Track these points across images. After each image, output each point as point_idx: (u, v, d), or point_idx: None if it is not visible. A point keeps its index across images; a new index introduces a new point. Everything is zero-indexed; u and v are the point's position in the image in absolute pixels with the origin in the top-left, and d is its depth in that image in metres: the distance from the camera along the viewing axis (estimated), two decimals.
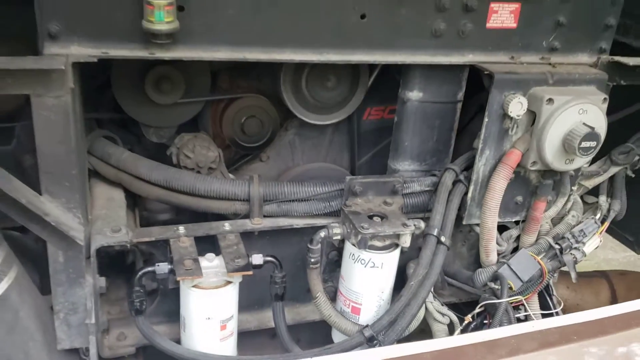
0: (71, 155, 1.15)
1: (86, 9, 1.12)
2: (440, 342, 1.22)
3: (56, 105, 1.10)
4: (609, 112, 1.48)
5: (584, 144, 1.30)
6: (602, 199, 1.55)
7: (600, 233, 1.49)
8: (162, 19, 1.10)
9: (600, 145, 1.35)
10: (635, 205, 1.83)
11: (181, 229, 1.33)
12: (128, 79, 1.42)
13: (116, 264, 1.46)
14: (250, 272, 1.24)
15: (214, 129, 1.57)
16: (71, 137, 1.13)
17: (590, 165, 1.57)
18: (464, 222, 1.44)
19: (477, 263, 1.55)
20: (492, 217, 1.38)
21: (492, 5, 1.34)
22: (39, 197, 1.15)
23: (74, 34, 1.12)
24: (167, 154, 1.51)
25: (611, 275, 1.94)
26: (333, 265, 1.48)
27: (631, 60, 1.44)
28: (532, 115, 1.34)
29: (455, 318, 1.42)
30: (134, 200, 1.50)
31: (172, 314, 1.42)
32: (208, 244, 1.35)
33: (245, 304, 1.41)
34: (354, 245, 1.30)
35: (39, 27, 1.11)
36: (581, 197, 1.57)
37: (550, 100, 1.31)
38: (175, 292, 1.40)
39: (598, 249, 1.58)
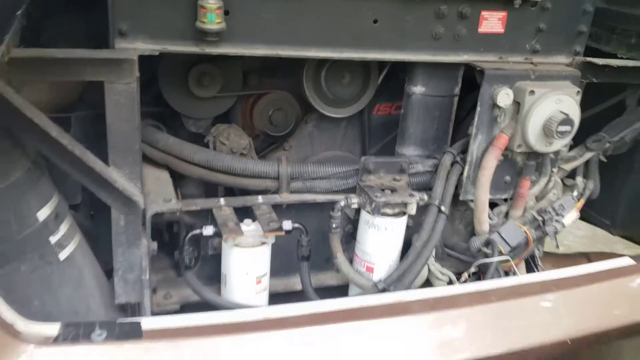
0: (135, 133, 1.35)
1: (149, 12, 1.33)
2: (437, 291, 1.44)
3: (125, 91, 1.31)
4: (587, 108, 1.71)
5: (561, 128, 1.52)
6: (579, 180, 1.77)
7: (578, 208, 1.71)
8: (212, 20, 1.32)
9: (575, 130, 1.57)
10: (610, 191, 2.06)
11: (222, 200, 1.53)
12: (173, 76, 1.64)
13: (158, 241, 1.67)
14: (282, 233, 1.44)
15: (244, 120, 1.78)
16: (135, 118, 1.35)
17: (569, 152, 1.80)
18: (461, 198, 1.65)
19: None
20: (484, 192, 1.59)
21: (483, 13, 1.56)
22: (107, 168, 1.35)
23: (139, 32, 1.34)
24: (205, 142, 1.72)
25: (592, 256, 2.15)
26: (349, 237, 1.69)
27: (600, 61, 1.67)
28: (517, 105, 1.55)
29: (453, 277, 1.62)
30: (174, 184, 1.71)
31: (210, 278, 1.62)
32: (244, 216, 1.56)
33: (275, 271, 1.61)
34: (368, 212, 1.50)
35: (111, 27, 1.33)
36: (562, 180, 1.79)
37: (532, 92, 1.52)
38: (213, 260, 1.61)
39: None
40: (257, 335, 1.20)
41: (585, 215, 2.17)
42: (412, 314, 1.32)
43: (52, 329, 1.11)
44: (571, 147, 1.80)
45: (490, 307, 1.38)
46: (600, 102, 1.90)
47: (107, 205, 1.43)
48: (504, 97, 1.53)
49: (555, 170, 1.70)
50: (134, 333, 1.15)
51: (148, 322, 1.18)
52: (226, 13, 1.35)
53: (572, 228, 1.87)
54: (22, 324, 1.07)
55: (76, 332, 1.12)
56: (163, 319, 1.22)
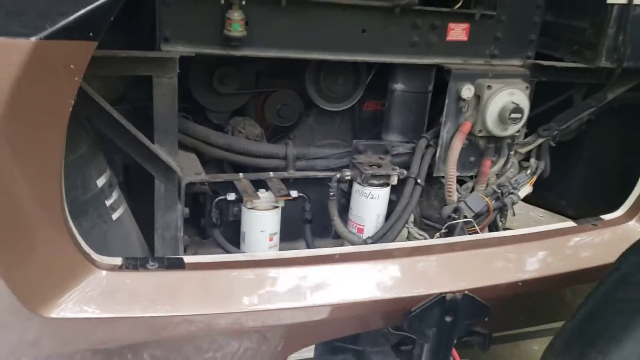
0: (174, 118, 1.68)
1: (187, 23, 1.67)
2: (414, 243, 1.77)
3: (168, 84, 1.64)
4: (542, 103, 2.06)
5: (512, 115, 1.86)
6: (532, 161, 2.10)
7: (531, 183, 2.05)
8: (237, 28, 1.65)
9: (524, 117, 1.91)
10: (565, 176, 2.40)
11: (241, 175, 1.87)
12: (200, 77, 1.97)
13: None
14: (290, 197, 1.78)
15: (256, 114, 2.11)
16: (175, 105, 1.67)
17: (524, 138, 2.14)
18: (434, 175, 1.98)
19: None
20: (452, 168, 1.92)
21: (450, 25, 1.90)
22: (153, 145, 1.68)
23: (179, 38, 1.66)
24: (224, 131, 2.05)
25: None
26: (344, 209, 2.02)
27: (545, 63, 2.02)
28: (478, 98, 1.89)
29: (428, 237, 1.96)
30: None
31: (230, 240, 1.94)
32: (258, 188, 1.88)
33: (283, 236, 1.94)
34: (359, 183, 1.84)
35: (158, 34, 1.66)
36: (519, 162, 2.13)
37: (489, 87, 1.87)
38: (232, 225, 1.93)
39: None
40: (271, 269, 1.53)
41: (544, 199, 2.50)
42: (394, 258, 1.65)
43: (117, 260, 1.43)
44: (527, 135, 2.15)
45: (456, 254, 1.71)
46: (554, 98, 2.25)
47: (141, 186, 1.77)
48: (467, 91, 1.87)
49: (512, 152, 2.04)
50: (179, 265, 1.47)
51: (188, 258, 1.50)
52: (247, 23, 1.69)
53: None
54: (96, 256, 1.40)
55: (135, 263, 1.44)
56: (199, 257, 1.55)
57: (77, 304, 1.31)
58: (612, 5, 1.89)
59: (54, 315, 1.28)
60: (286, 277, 1.52)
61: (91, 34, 1.14)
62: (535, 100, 2.17)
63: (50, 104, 1.17)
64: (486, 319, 1.49)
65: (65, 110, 1.19)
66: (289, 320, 1.49)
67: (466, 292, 1.44)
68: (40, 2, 1.09)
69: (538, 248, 1.78)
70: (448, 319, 1.44)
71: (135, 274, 1.42)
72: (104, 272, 1.37)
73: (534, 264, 1.75)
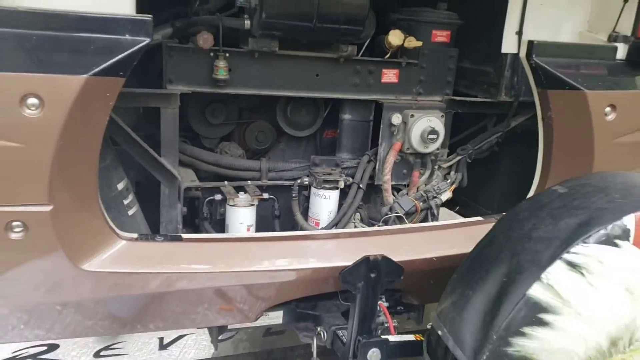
0: (175, 138, 2.19)
1: (185, 69, 2.22)
2: (355, 230, 2.28)
3: (172, 113, 2.16)
4: (465, 130, 2.61)
5: (430, 136, 2.39)
6: (452, 173, 2.63)
7: (450, 190, 2.57)
8: (222, 73, 2.18)
9: (440, 138, 2.43)
10: (488, 187, 2.92)
11: (226, 182, 2.38)
12: (196, 111, 2.50)
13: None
14: (263, 197, 2.30)
15: (239, 139, 2.62)
16: (176, 129, 2.20)
17: (447, 156, 2.67)
18: (375, 183, 2.50)
19: None
20: (387, 177, 2.43)
21: (384, 70, 2.44)
22: (160, 158, 2.20)
23: (180, 80, 2.19)
24: (214, 152, 2.57)
25: None
26: (305, 211, 2.53)
27: (457, 98, 2.57)
28: (405, 124, 2.44)
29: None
30: None
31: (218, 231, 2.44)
32: (238, 192, 2.40)
33: (257, 229, 2.43)
34: (315, 187, 2.36)
35: (164, 77, 2.20)
36: (444, 175, 2.66)
37: (412, 115, 2.40)
38: (219, 224, 2.43)
39: None
40: (245, 243, 2.04)
41: (473, 209, 3.01)
42: (337, 238, 2.16)
43: (134, 235, 1.94)
44: (449, 154, 2.68)
45: (385, 237, 2.21)
46: (472, 126, 2.80)
47: (148, 197, 2.28)
48: (396, 119, 2.40)
49: (436, 167, 2.58)
50: (178, 239, 1.98)
51: (185, 235, 2.01)
52: (229, 70, 2.24)
53: None
54: (119, 231, 1.90)
55: (146, 237, 1.94)
56: (193, 234, 2.06)
57: (106, 262, 1.81)
58: (506, 54, 2.45)
59: (90, 269, 1.77)
60: (256, 249, 2.03)
61: (121, 73, 1.68)
62: (459, 127, 2.74)
63: (93, 121, 1.70)
64: (401, 277, 1.98)
65: (102, 126, 1.72)
66: (259, 280, 1.99)
67: (384, 255, 1.94)
68: (89, 53, 1.63)
69: (452, 233, 2.30)
70: (372, 275, 1.92)
71: (146, 243, 1.92)
72: (124, 242, 1.88)
73: (447, 244, 2.24)
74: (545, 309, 1.58)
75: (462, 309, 1.74)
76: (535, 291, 1.59)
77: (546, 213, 1.76)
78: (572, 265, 1.59)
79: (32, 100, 1.56)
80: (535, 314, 1.59)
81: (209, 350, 2.70)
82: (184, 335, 2.67)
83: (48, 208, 1.66)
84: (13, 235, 1.66)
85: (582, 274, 1.59)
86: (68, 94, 1.59)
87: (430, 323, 1.84)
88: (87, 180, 1.77)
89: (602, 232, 1.60)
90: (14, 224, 1.65)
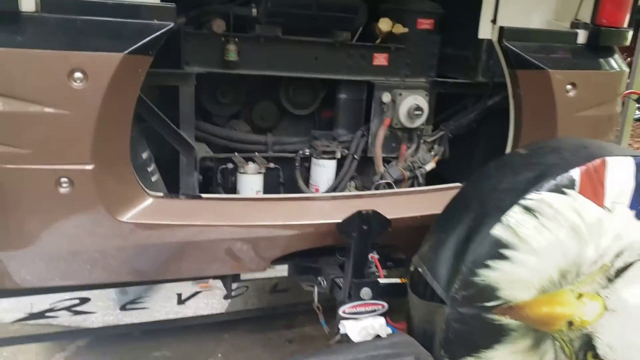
0: (192, 113, 2.49)
1: (200, 52, 2.52)
2: (349, 193, 2.59)
3: (189, 91, 2.46)
4: (449, 108, 2.93)
5: (415, 112, 2.70)
6: (436, 147, 2.94)
7: (434, 161, 2.88)
8: (232, 56, 2.48)
9: (424, 114, 2.75)
10: (468, 162, 3.22)
11: (236, 153, 2.70)
12: (209, 92, 2.81)
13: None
14: (270, 165, 2.61)
15: (246, 117, 2.92)
16: (192, 105, 2.50)
17: (432, 132, 2.99)
18: (368, 155, 2.81)
19: None
20: (379, 149, 2.73)
21: (374, 54, 2.75)
22: (179, 130, 2.51)
23: (195, 62, 2.48)
24: None
25: None
26: (306, 180, 2.84)
27: (440, 79, 2.88)
28: (393, 102, 2.75)
29: None
30: None
31: None
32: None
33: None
34: (314, 157, 2.68)
35: (182, 59, 2.50)
36: (428, 149, 2.97)
37: (400, 94, 2.71)
38: (231, 190, 2.73)
39: None
40: (255, 202, 2.35)
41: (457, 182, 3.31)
42: (336, 199, 2.47)
43: (160, 193, 2.25)
44: (433, 130, 3.00)
45: (375, 198, 2.53)
46: (455, 105, 3.11)
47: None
48: (386, 97, 2.71)
49: (421, 141, 2.89)
50: (198, 197, 2.29)
51: (204, 195, 2.32)
52: (239, 53, 2.54)
53: None
54: (148, 190, 2.21)
55: (171, 195, 2.26)
56: (211, 195, 2.38)
57: (138, 215, 2.12)
58: (482, 40, 2.75)
59: (124, 220, 2.09)
60: (265, 207, 2.35)
61: (150, 52, 1.98)
62: (443, 107, 3.05)
63: (127, 93, 2.01)
64: (388, 229, 2.29)
65: (134, 98, 2.03)
66: (267, 234, 2.30)
67: (374, 210, 2.25)
68: (125, 35, 1.94)
69: (434, 196, 2.61)
70: (364, 226, 2.23)
71: (171, 200, 2.23)
72: (153, 199, 2.19)
73: (429, 205, 2.54)
74: (505, 246, 1.89)
75: (438, 250, 2.05)
76: (497, 231, 1.89)
77: (509, 169, 2.08)
78: (528, 209, 1.90)
79: (78, 74, 1.87)
80: (497, 249, 1.90)
81: (221, 306, 3.01)
82: (200, 292, 2.98)
83: (90, 167, 1.97)
84: (61, 190, 1.97)
85: (535, 216, 1.90)
86: (108, 69, 1.90)
87: (413, 265, 2.16)
88: (122, 145, 2.08)
89: (552, 182, 1.91)
90: (62, 180, 1.96)
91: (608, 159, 1.98)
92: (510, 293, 1.94)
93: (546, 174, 1.95)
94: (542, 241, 1.92)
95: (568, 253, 1.96)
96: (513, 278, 1.92)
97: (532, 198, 1.90)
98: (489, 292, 1.92)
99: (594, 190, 1.95)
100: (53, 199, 1.97)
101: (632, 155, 2.02)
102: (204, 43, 2.47)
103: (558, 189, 1.91)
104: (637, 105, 6.60)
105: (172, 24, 1.97)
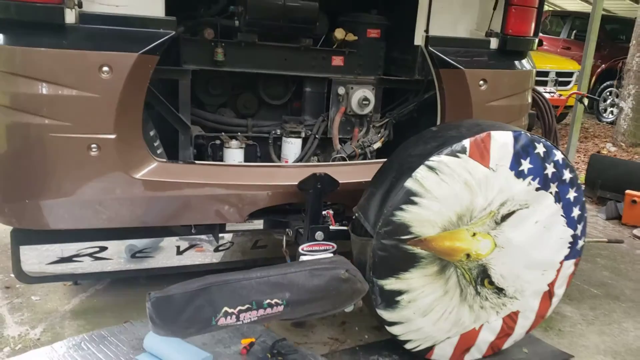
0: (188, 100, 3.14)
1: (195, 53, 3.17)
2: (306, 164, 3.25)
3: (186, 84, 3.09)
4: (396, 100, 3.58)
5: (363, 102, 3.36)
6: (382, 130, 3.59)
7: (381, 142, 3.54)
8: (220, 57, 3.13)
9: (371, 104, 3.40)
10: None
11: (223, 133, 3.35)
12: (201, 85, 3.46)
13: None
14: (249, 142, 3.26)
15: (232, 107, 3.56)
16: (189, 93, 3.13)
17: (380, 118, 3.64)
18: (328, 136, 3.45)
19: None
20: (335, 130, 3.36)
21: (333, 56, 3.40)
22: (178, 113, 3.15)
23: (191, 61, 3.11)
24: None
25: None
26: (278, 156, 3.49)
27: (384, 77, 3.54)
28: (347, 94, 3.40)
29: None
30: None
31: None
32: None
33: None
34: (284, 136, 3.33)
35: (181, 59, 3.15)
36: (377, 132, 3.62)
37: (352, 87, 3.37)
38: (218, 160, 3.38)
39: None
40: (235, 167, 3.00)
41: None
42: (300, 167, 3.12)
43: (164, 159, 2.89)
44: (382, 117, 3.65)
45: (332, 167, 3.18)
46: (400, 98, 3.77)
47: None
48: (341, 90, 3.36)
49: (371, 126, 3.55)
50: (192, 162, 2.94)
51: (198, 163, 2.97)
52: (225, 54, 3.19)
53: None
54: (155, 156, 2.85)
55: (172, 161, 2.90)
56: (202, 161, 3.03)
57: (147, 173, 2.75)
58: (418, 46, 3.41)
59: (137, 177, 2.73)
60: (244, 171, 3.00)
61: (157, 53, 2.63)
62: (393, 99, 3.70)
63: (140, 82, 2.65)
64: (337, 188, 2.92)
65: (145, 86, 2.66)
66: (246, 191, 2.94)
67: (326, 172, 2.90)
68: (139, 40, 2.58)
69: (376, 167, 3.25)
70: (318, 185, 2.88)
71: (173, 164, 2.87)
72: (157, 163, 2.83)
73: (372, 173, 3.20)
74: (414, 194, 2.54)
75: (370, 199, 2.70)
76: (409, 183, 2.54)
77: (421, 141, 2.73)
78: (431, 168, 2.54)
79: (105, 68, 2.50)
80: (409, 197, 2.54)
81: (211, 258, 3.65)
82: (195, 245, 3.62)
83: (113, 136, 2.60)
84: (92, 153, 2.59)
85: (436, 173, 2.55)
86: (127, 64, 2.53)
87: (354, 212, 2.81)
88: (136, 121, 2.71)
89: (449, 148, 2.56)
90: (92, 145, 2.58)
91: (493, 132, 2.63)
92: (420, 229, 2.57)
93: (446, 143, 2.60)
94: (442, 191, 2.56)
95: (462, 201, 2.61)
96: (421, 218, 2.57)
97: (434, 160, 2.55)
98: (404, 228, 2.56)
99: (481, 154, 2.60)
100: (86, 160, 2.59)
101: (511, 131, 2.68)
102: (198, 47, 3.12)
103: (453, 154, 2.56)
104: (585, 106, 7.04)
105: (173, 32, 2.62)
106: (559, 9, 16.84)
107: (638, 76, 9.37)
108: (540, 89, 8.95)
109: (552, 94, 6.10)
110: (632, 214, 5.53)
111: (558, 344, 3.33)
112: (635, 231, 5.36)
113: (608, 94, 12.07)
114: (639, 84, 9.39)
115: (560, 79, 10.38)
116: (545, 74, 10.19)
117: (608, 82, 11.86)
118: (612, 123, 11.26)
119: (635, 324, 3.64)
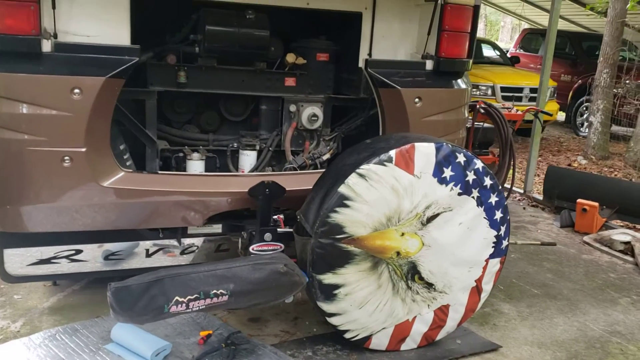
0: (155, 118, 3.59)
1: (160, 76, 3.61)
2: (260, 173, 3.69)
3: (152, 103, 3.48)
4: (347, 116, 4.04)
5: (312, 118, 3.79)
6: (332, 143, 4.03)
7: (330, 154, 3.98)
8: (182, 79, 3.57)
9: (320, 120, 3.84)
10: None
11: (186, 147, 3.78)
12: (168, 104, 3.89)
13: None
14: (209, 155, 3.69)
15: (196, 123, 3.97)
16: (155, 113, 3.57)
17: (330, 133, 4.08)
18: (282, 149, 3.90)
19: None
20: (288, 144, 3.83)
21: (285, 78, 3.83)
22: (145, 129, 3.58)
23: (157, 83, 3.55)
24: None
25: None
26: (236, 166, 3.93)
27: (333, 95, 3.99)
28: (298, 111, 3.85)
29: None
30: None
31: None
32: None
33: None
34: (241, 149, 3.77)
35: (148, 81, 3.59)
36: (327, 145, 4.07)
37: (302, 105, 3.81)
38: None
39: None
40: (195, 177, 3.44)
41: None
42: (253, 177, 3.56)
43: (130, 170, 3.32)
44: (332, 131, 4.10)
45: (281, 176, 3.61)
46: (349, 114, 4.22)
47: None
48: (293, 107, 3.82)
49: (321, 139, 3.99)
50: (156, 173, 3.37)
51: (160, 172, 3.40)
52: (187, 77, 3.63)
53: None
54: (122, 167, 3.28)
55: (137, 171, 3.34)
56: (165, 172, 3.46)
57: (115, 182, 3.18)
58: (361, 68, 3.85)
59: (106, 185, 3.15)
60: (203, 180, 3.43)
61: (123, 76, 3.06)
62: (344, 115, 4.15)
63: (108, 103, 3.08)
64: (284, 195, 3.36)
65: (112, 105, 3.09)
66: (204, 198, 3.37)
67: (273, 180, 3.33)
68: (107, 65, 3.02)
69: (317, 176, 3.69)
70: (267, 191, 3.31)
71: (138, 174, 3.30)
72: (124, 172, 3.25)
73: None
74: (347, 198, 2.97)
75: (310, 203, 3.13)
76: (342, 189, 2.96)
77: (356, 152, 3.17)
78: (361, 175, 2.98)
79: (77, 90, 2.93)
80: (342, 201, 2.96)
81: (179, 261, 4.07)
82: (162, 248, 4.04)
83: (84, 149, 3.02)
84: (65, 164, 3.01)
85: (366, 180, 2.99)
86: (96, 87, 2.96)
87: (297, 215, 3.24)
88: (104, 136, 3.13)
89: (378, 158, 3.00)
90: (65, 157, 3.00)
91: (417, 144, 3.07)
92: (352, 229, 3.00)
93: (375, 154, 3.03)
94: (372, 196, 2.99)
95: (390, 204, 3.04)
96: (353, 219, 2.99)
97: (364, 168, 2.98)
98: (338, 228, 2.98)
99: (407, 163, 3.04)
100: (60, 170, 3.01)
101: (433, 142, 3.13)
102: (163, 70, 3.56)
103: (381, 162, 3.00)
104: (541, 122, 7.37)
105: (137, 59, 3.06)
106: (537, 27, 17.45)
107: (605, 92, 9.90)
108: (518, 104, 9.54)
109: (508, 109, 6.55)
110: (583, 222, 5.96)
111: (491, 336, 3.73)
112: (585, 238, 5.77)
113: (584, 109, 12.59)
114: (607, 99, 9.91)
115: (533, 95, 10.90)
116: (521, 90, 10.73)
117: (584, 98, 12.36)
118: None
119: (566, 320, 4.05)
